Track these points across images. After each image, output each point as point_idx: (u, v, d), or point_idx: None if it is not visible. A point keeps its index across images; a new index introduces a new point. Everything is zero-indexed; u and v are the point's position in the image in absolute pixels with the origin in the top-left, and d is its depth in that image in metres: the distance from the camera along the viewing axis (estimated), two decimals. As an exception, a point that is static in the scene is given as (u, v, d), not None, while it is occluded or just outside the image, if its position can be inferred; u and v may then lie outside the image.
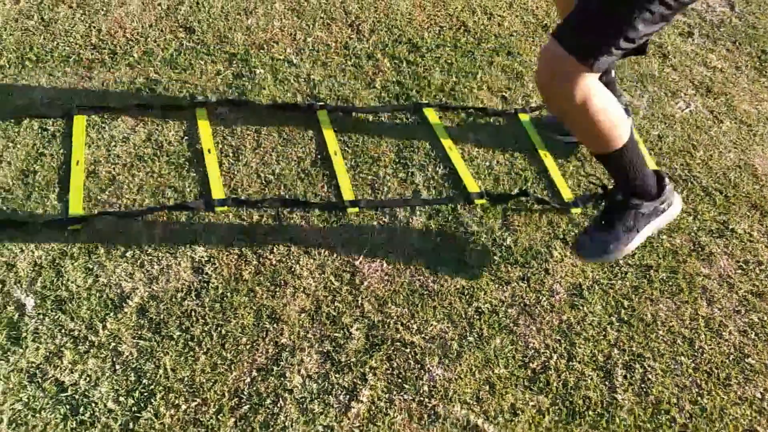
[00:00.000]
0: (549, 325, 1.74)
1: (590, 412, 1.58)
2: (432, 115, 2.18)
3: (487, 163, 2.09)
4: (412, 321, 1.70)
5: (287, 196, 1.90)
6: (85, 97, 2.05)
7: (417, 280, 1.78)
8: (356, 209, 1.89)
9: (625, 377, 1.66)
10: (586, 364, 1.67)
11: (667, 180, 1.75)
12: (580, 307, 1.78)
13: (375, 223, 1.88)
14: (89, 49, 2.20)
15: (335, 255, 1.80)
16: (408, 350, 1.64)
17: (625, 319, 1.77)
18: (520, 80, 2.38)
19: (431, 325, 1.70)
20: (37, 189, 1.82)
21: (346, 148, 2.05)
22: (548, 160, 2.11)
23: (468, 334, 1.69)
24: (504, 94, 2.32)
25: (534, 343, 1.70)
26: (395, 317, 1.70)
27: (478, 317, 1.73)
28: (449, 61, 2.38)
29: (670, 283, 1.86)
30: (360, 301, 1.72)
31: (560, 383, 1.63)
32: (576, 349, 1.70)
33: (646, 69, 2.55)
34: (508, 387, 1.61)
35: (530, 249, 1.88)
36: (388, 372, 1.60)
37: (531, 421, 1.56)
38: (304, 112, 2.11)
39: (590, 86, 1.46)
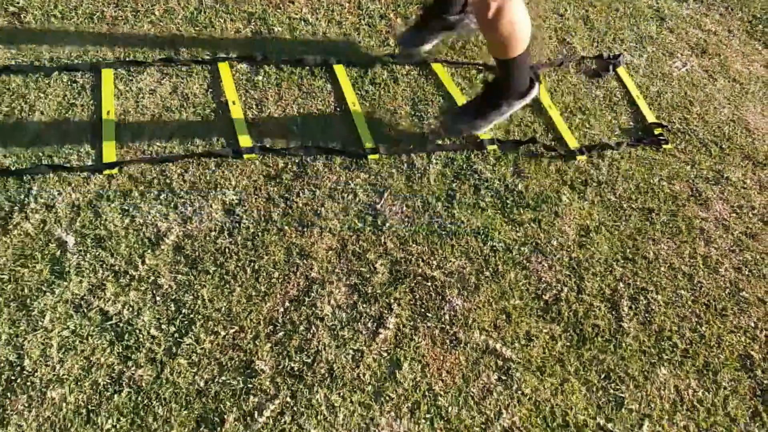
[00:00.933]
0: (559, 261, 1.86)
1: (599, 338, 1.71)
2: (441, 71, 2.28)
3: (498, 116, 2.20)
4: (432, 258, 1.81)
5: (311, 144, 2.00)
6: (110, 52, 2.12)
7: (435, 222, 1.89)
8: (376, 156, 1.99)
9: (630, 308, 1.78)
10: (595, 297, 1.80)
11: (536, 83, 2.05)
12: (588, 247, 1.90)
13: (394, 170, 1.98)
14: (112, 7, 2.26)
15: (357, 199, 1.90)
16: (429, 283, 1.75)
17: (630, 257, 1.90)
18: (527, 40, 2.48)
19: (450, 261, 1.81)
20: (70, 137, 1.90)
21: (363, 101, 2.14)
22: (554, 113, 2.22)
23: (484, 269, 1.81)
24: (511, 52, 2.42)
25: (546, 278, 1.81)
26: (416, 254, 1.81)
27: (493, 254, 1.84)
28: (458, 22, 2.48)
29: (671, 225, 1.99)
30: (383, 240, 1.82)
31: (571, 313, 1.75)
32: (585, 283, 1.82)
33: (645, 31, 2.66)
34: (522, 316, 1.73)
35: (540, 194, 2.00)
36: (412, 303, 1.71)
37: (545, 346, 1.68)
38: (321, 66, 2.20)
39: (515, 14, 1.74)
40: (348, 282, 1.73)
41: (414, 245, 1.83)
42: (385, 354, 1.61)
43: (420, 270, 1.78)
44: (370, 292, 1.72)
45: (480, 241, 1.87)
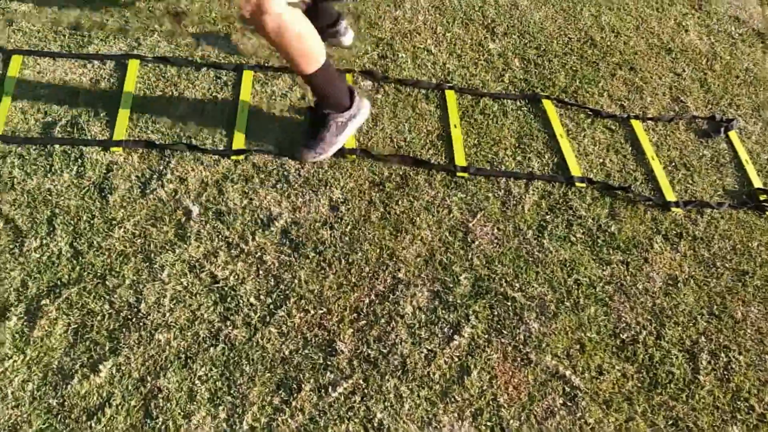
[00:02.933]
0: (642, 305, 1.87)
1: (672, 385, 1.70)
2: (550, 108, 2.38)
3: (600, 160, 2.25)
4: (515, 280, 1.88)
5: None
6: (252, 57, 2.39)
7: (524, 248, 1.96)
8: (466, 174, 2.12)
9: (709, 362, 1.76)
10: (674, 345, 1.79)
11: (356, 92, 2.09)
12: (674, 296, 1.90)
13: (490, 194, 2.09)
14: (260, 19, 2.55)
15: (451, 215, 2.01)
16: (509, 303, 1.83)
17: (716, 313, 1.88)
18: (640, 93, 2.53)
19: (532, 286, 1.87)
20: (208, 124, 2.15)
21: (470, 129, 2.27)
22: (656, 165, 2.25)
23: (565, 299, 1.86)
24: (623, 103, 2.48)
25: (626, 318, 1.83)
26: (500, 274, 1.89)
27: (576, 287, 1.89)
28: (574, 68, 2.57)
29: (764, 290, 1.95)
30: (470, 256, 1.92)
31: (646, 356, 1.76)
32: (665, 330, 1.82)
33: (764, 100, 2.64)
34: (597, 350, 1.76)
35: (632, 239, 2.03)
36: (489, 317, 1.79)
37: (615, 382, 1.70)
38: (433, 89, 2.37)
39: (283, 15, 1.70)
40: (431, 288, 1.83)
41: (499, 266, 1.91)
42: (456, 359, 1.70)
43: (502, 289, 1.85)
44: (450, 300, 1.81)
45: (565, 272, 1.92)
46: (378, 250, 1.90)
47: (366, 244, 1.91)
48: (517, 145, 2.25)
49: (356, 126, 2.12)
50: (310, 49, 1.83)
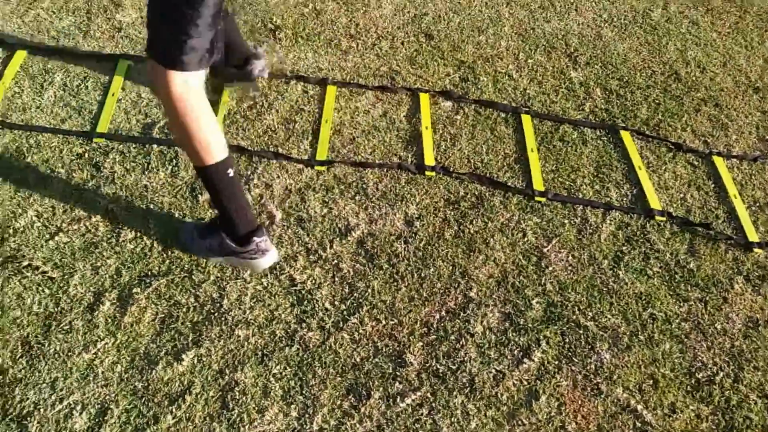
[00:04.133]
0: (720, 346, 1.82)
1: None
2: (628, 139, 2.36)
3: (681, 195, 2.22)
4: (589, 309, 1.87)
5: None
6: (338, 73, 2.48)
7: (598, 277, 1.95)
8: (544, 199, 2.12)
9: (791, 411, 1.70)
10: (752, 390, 1.73)
11: (259, 238, 1.76)
12: (754, 339, 1.84)
13: (566, 221, 2.08)
14: (347, 37, 2.64)
15: (526, 238, 2.02)
16: (581, 331, 1.81)
17: (800, 361, 1.81)
18: (724, 130, 2.48)
19: (606, 317, 1.85)
20: (294, 134, 2.24)
21: (549, 154, 2.28)
22: (739, 204, 2.20)
23: (639, 332, 1.83)
24: (706, 139, 2.44)
25: (702, 358, 1.79)
26: (573, 302, 1.88)
27: (651, 321, 1.86)
28: (657, 101, 2.55)
29: None
30: (543, 281, 1.92)
31: (723, 398, 1.71)
32: (744, 373, 1.76)
33: None
34: (671, 387, 1.72)
35: (712, 277, 1.98)
36: (560, 344, 1.78)
37: (688, 422, 1.65)
38: (510, 113, 2.39)
39: (181, 95, 1.48)
40: (503, 309, 1.84)
41: (573, 293, 1.90)
42: (525, 382, 1.69)
43: (574, 317, 1.84)
44: (521, 323, 1.81)
45: (640, 305, 1.89)
46: (450, 267, 1.92)
47: (439, 261, 1.94)
48: (595, 174, 2.24)
49: (241, 265, 1.83)
50: (202, 138, 1.56)
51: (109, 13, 2.54)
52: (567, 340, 1.79)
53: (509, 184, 2.16)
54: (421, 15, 2.80)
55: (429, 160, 2.20)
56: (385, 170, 2.15)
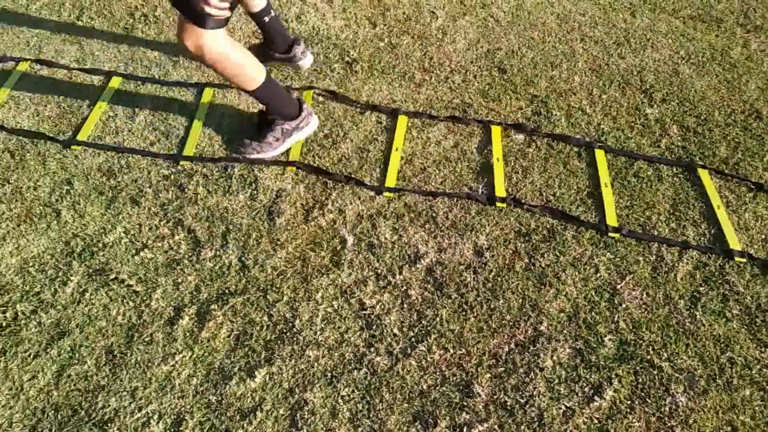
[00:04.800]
0: (806, 396, 1.73)
1: (840, 490, 1.55)
2: (706, 177, 2.30)
3: (762, 236, 2.13)
4: (664, 349, 1.81)
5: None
6: (411, 105, 2.54)
7: (674, 317, 1.89)
8: (618, 234, 2.08)
9: None
10: (843, 445, 1.63)
11: (305, 106, 2.29)
12: None
13: (641, 258, 2.04)
14: (421, 71, 2.71)
15: (599, 274, 1.99)
16: (655, 372, 1.76)
17: None
18: (811, 171, 2.39)
19: (681, 358, 1.79)
20: (366, 162, 2.30)
21: (623, 190, 2.25)
22: (830, 249, 2.10)
23: (717, 377, 1.76)
24: (790, 179, 2.35)
25: (787, 407, 1.70)
26: (647, 341, 1.83)
27: (730, 366, 1.78)
28: (737, 140, 2.48)
29: None
30: (616, 318, 1.88)
31: (810, 452, 1.61)
32: (833, 427, 1.67)
33: None
34: (752, 436, 1.64)
35: (797, 323, 1.89)
36: (633, 384, 1.73)
37: (772, 475, 1.57)
38: (583, 147, 2.38)
39: (208, 40, 1.84)
40: (574, 345, 1.81)
41: (647, 332, 1.85)
42: (596, 421, 1.65)
43: (649, 357, 1.79)
44: (593, 360, 1.78)
45: (718, 349, 1.82)
46: (520, 300, 1.91)
47: (508, 293, 1.93)
48: (671, 211, 2.19)
49: (301, 137, 2.32)
50: (248, 72, 2.03)
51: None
52: (640, 380, 1.74)
53: (582, 218, 2.14)
54: (495, 50, 2.84)
55: (500, 191, 2.21)
56: (455, 200, 2.18)
